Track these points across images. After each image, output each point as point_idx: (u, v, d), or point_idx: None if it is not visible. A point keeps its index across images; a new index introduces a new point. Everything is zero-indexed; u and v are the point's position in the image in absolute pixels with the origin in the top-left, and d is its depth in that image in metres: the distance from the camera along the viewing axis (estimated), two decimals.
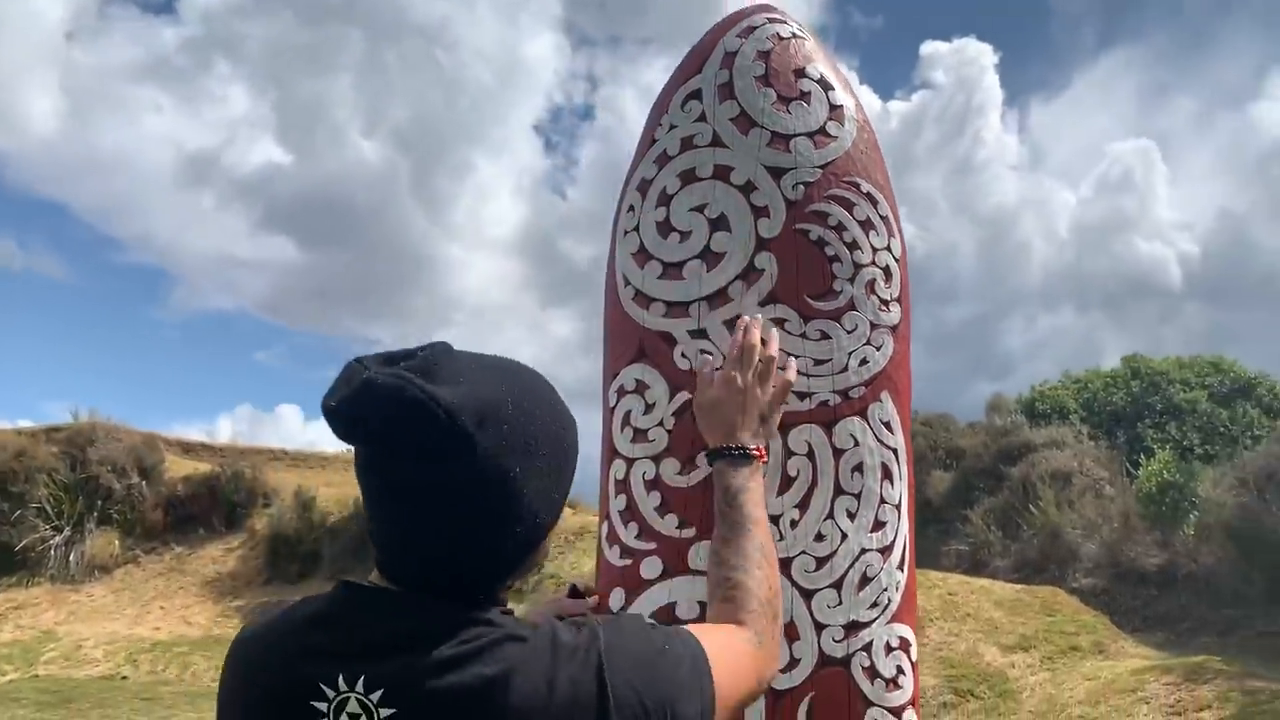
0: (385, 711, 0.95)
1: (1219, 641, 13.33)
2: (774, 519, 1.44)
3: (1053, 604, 13.58)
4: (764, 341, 1.44)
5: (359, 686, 0.96)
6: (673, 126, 1.63)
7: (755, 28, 1.65)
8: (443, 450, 0.96)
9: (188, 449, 23.34)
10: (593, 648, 0.99)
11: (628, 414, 1.54)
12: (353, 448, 1.04)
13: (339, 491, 20.69)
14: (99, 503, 19.61)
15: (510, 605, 1.09)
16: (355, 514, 19.33)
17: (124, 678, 15.29)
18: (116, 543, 19.49)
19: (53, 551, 18.90)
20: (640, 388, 1.53)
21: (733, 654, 1.11)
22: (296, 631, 1.03)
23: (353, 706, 0.96)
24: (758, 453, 1.37)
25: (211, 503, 19.96)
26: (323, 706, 0.96)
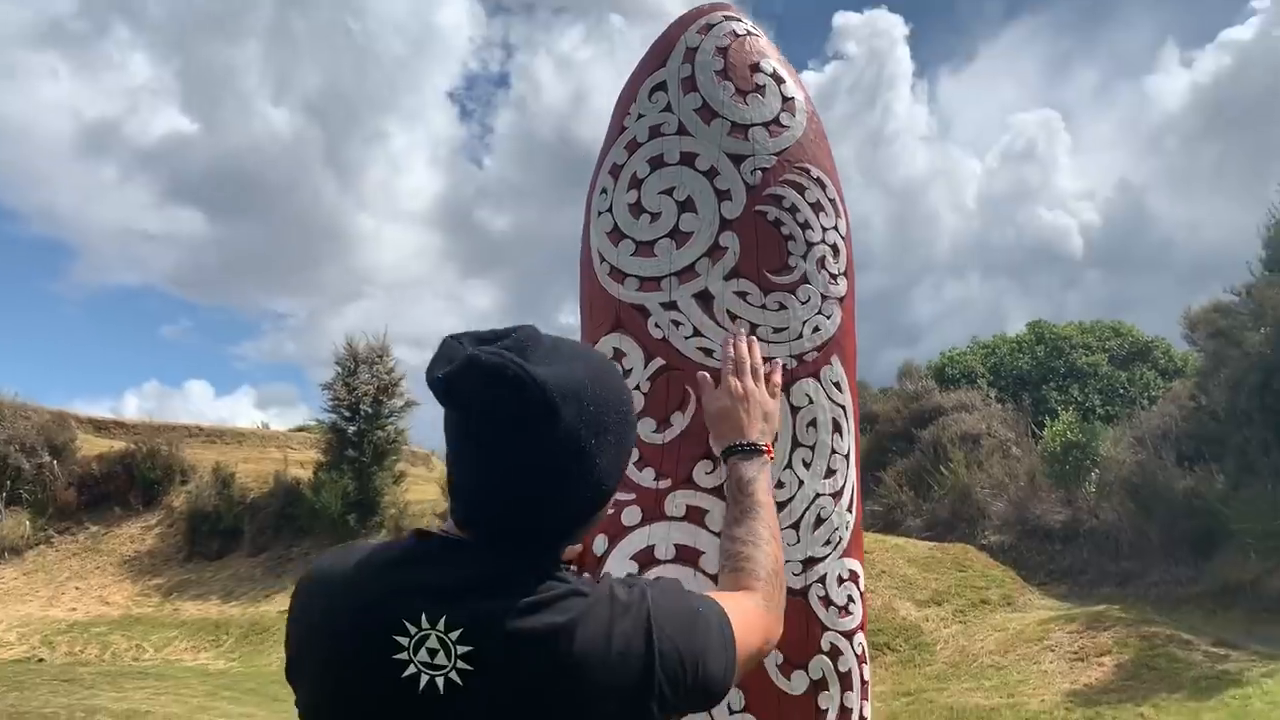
0: (462, 649, 1.06)
1: (1119, 592, 14.06)
2: None
3: (963, 560, 14.15)
4: (752, 350, 1.66)
5: (440, 625, 1.07)
6: (640, 115, 1.78)
7: (713, 25, 1.81)
8: (533, 421, 1.09)
9: (99, 427, 22.78)
10: (642, 606, 1.13)
11: None
12: (439, 412, 1.16)
13: (257, 467, 20.45)
14: (8, 483, 19.09)
15: None
16: (275, 489, 19.15)
17: (40, 660, 15.00)
18: (28, 523, 19.00)
19: None
20: (618, 355, 1.70)
21: (747, 617, 1.29)
22: (380, 573, 1.14)
23: (432, 643, 1.06)
24: (766, 448, 1.58)
25: (127, 481, 19.55)
26: (404, 641, 1.07)
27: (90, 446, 20.78)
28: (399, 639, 1.07)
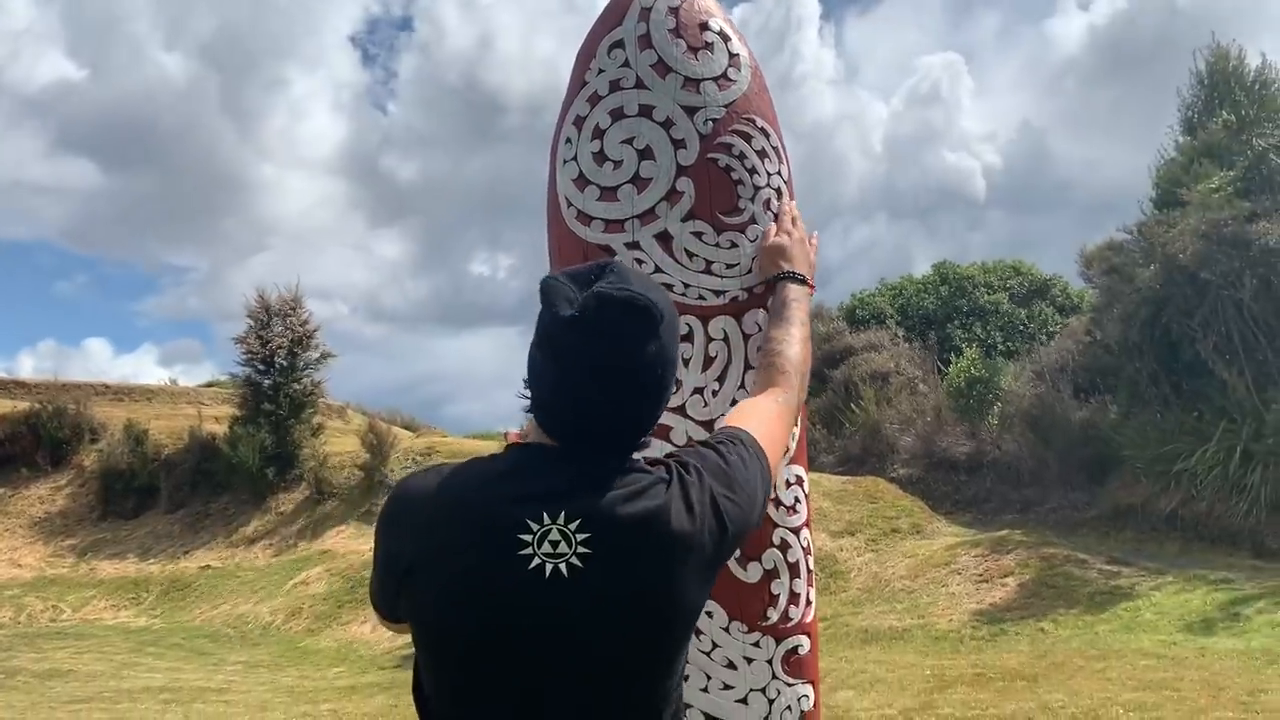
0: (581, 536, 1.24)
1: (1020, 518, 14.78)
2: (698, 390, 1.84)
3: (875, 493, 14.73)
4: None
5: (559, 519, 1.24)
6: (600, 70, 1.95)
7: None
8: (653, 340, 1.29)
9: (0, 386, 22.12)
10: (704, 480, 1.35)
11: None
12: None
13: (170, 424, 20.09)
14: None
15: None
16: (190, 445, 18.87)
17: None
18: None
19: None
20: None
21: (770, 425, 1.55)
22: (493, 481, 1.30)
23: (554, 535, 1.24)
24: (810, 285, 1.91)
25: (33, 441, 19.05)
26: (528, 538, 1.23)
27: None
28: (523, 536, 1.24)
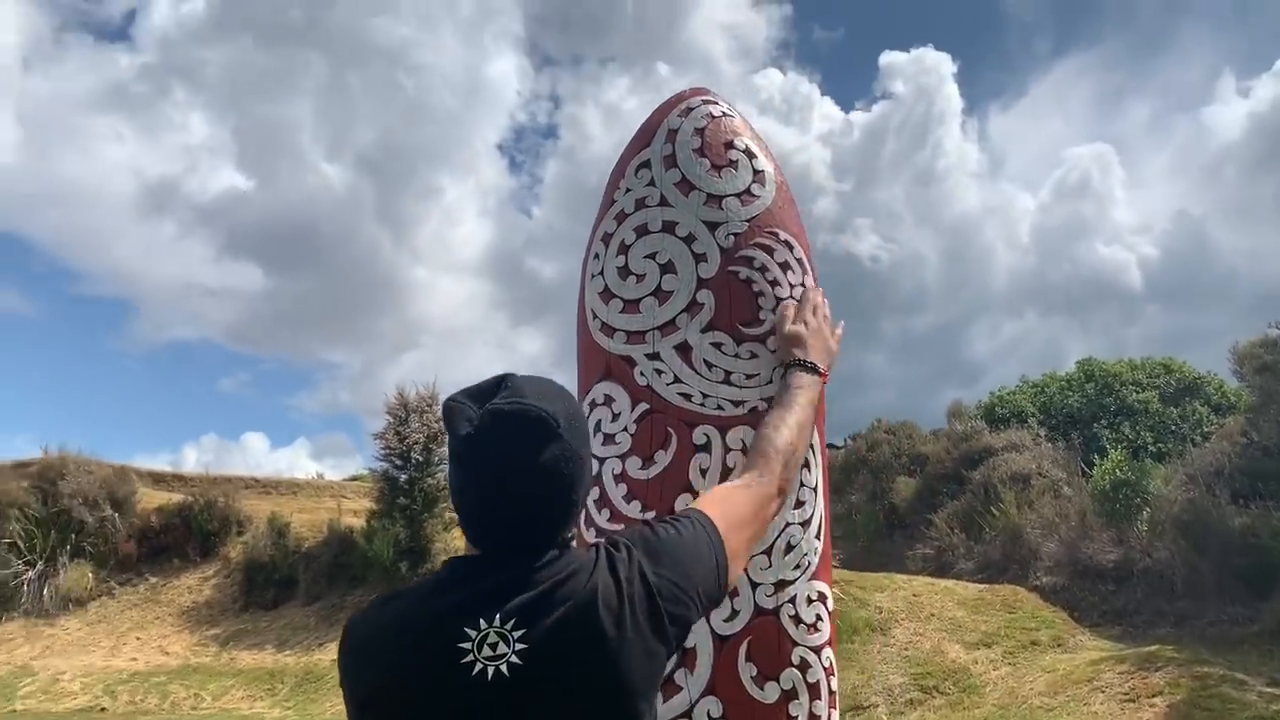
0: (517, 633, 1.29)
1: (1173, 633, 13.82)
2: None
3: (1013, 602, 14.04)
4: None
5: (495, 622, 1.29)
6: (628, 190, 2.02)
7: (692, 109, 2.06)
8: (550, 445, 1.36)
9: (159, 479, 23.37)
10: (633, 556, 1.40)
11: (599, 422, 1.94)
12: (455, 460, 1.44)
13: (312, 517, 20.83)
14: (72, 536, 19.61)
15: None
16: (329, 538, 19.50)
17: (103, 709, 15.36)
18: (90, 575, 19.49)
19: (26, 586, 18.90)
20: (608, 400, 1.92)
21: (734, 505, 1.57)
22: (429, 597, 1.37)
23: (491, 638, 1.29)
24: (823, 374, 1.90)
25: (185, 532, 20.00)
26: (467, 646, 1.28)
27: (150, 499, 21.32)
28: (463, 645, 1.29)
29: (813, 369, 1.88)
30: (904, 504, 20.53)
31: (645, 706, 1.38)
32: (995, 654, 12.66)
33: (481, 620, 1.29)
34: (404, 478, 19.16)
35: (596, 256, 2.02)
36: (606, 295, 1.98)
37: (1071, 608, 14.57)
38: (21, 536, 19.08)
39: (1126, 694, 10.64)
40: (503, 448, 1.34)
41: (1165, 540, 15.23)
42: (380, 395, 19.62)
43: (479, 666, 1.27)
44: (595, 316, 1.99)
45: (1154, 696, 10.44)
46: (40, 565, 19.17)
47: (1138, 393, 22.38)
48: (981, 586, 14.91)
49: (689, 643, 1.78)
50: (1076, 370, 23.80)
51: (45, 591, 19.06)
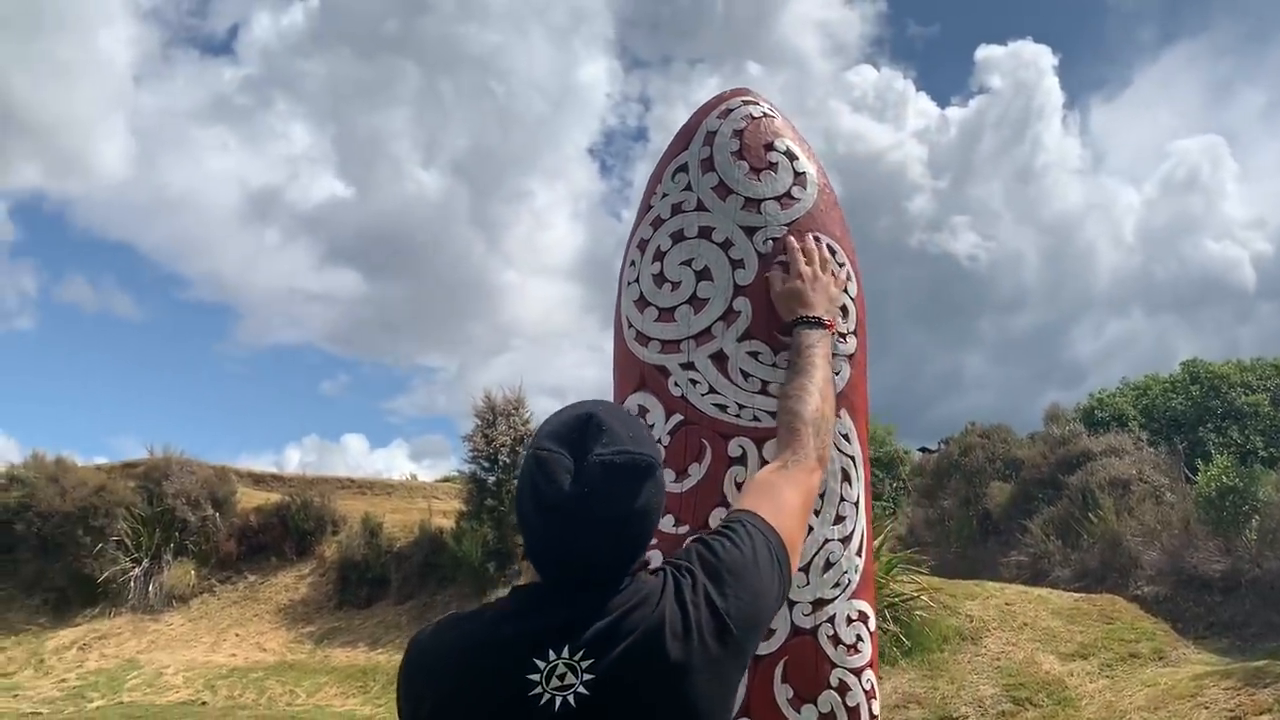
0: (585, 663, 1.28)
1: None
2: None
3: (1111, 612, 13.56)
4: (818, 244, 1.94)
5: (564, 653, 1.28)
6: (665, 195, 1.97)
7: (732, 110, 1.99)
8: (648, 485, 1.36)
9: (258, 480, 24.08)
10: (697, 580, 1.37)
11: None
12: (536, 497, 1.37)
13: (404, 518, 21.21)
14: (175, 534, 20.32)
15: None
16: (420, 539, 19.82)
17: (203, 703, 15.85)
18: (193, 573, 20.18)
19: (133, 583, 19.63)
20: (642, 411, 1.87)
21: (780, 497, 1.54)
22: (498, 624, 1.36)
23: (559, 669, 1.28)
24: (829, 321, 1.83)
25: (282, 532, 20.54)
26: (536, 677, 1.28)
27: (249, 499, 21.97)
28: (531, 676, 1.28)
29: (817, 323, 1.82)
30: (998, 509, 20.00)
31: None
32: (1092, 666, 12.23)
33: (551, 652, 1.29)
34: (491, 480, 19.37)
35: (632, 264, 1.98)
36: (641, 303, 1.93)
37: (1174, 619, 14.01)
38: (129, 535, 19.83)
39: (1232, 711, 10.17)
40: (616, 501, 1.33)
41: (1276, 550, 14.55)
42: (473, 398, 19.86)
43: (546, 698, 1.27)
44: (630, 325, 1.94)
45: (1262, 714, 9.96)
46: (146, 563, 19.89)
47: (1247, 395, 21.44)
48: (1078, 595, 14.44)
49: None
50: (1181, 372, 22.91)
51: (150, 588, 19.78)
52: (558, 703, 1.26)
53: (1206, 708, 10.42)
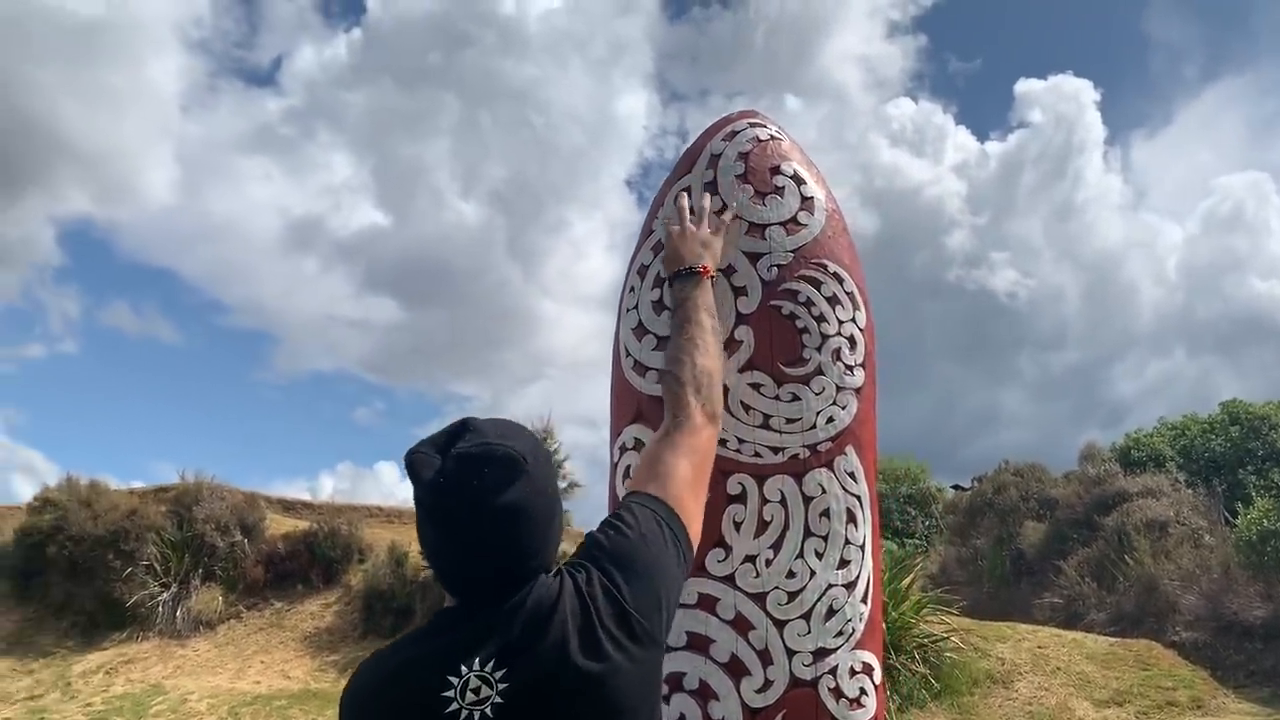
0: (499, 674, 1.28)
1: None
2: (749, 559, 1.67)
3: (1148, 658, 13.22)
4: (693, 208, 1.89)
5: (476, 666, 1.29)
6: (667, 218, 1.89)
7: (738, 132, 1.91)
8: (518, 482, 1.34)
9: (288, 507, 24.12)
10: (592, 574, 1.37)
11: (628, 468, 1.79)
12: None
13: None
14: (204, 560, 20.36)
15: None
16: None
17: None
18: (220, 599, 20.18)
19: (161, 607, 19.66)
20: (638, 445, 1.78)
21: (667, 469, 1.51)
22: (413, 647, 1.40)
23: (473, 683, 1.28)
24: (702, 269, 1.76)
25: (309, 559, 20.50)
26: (450, 694, 1.28)
27: (279, 525, 21.98)
28: (446, 694, 1.29)
29: (689, 273, 1.75)
30: (1031, 550, 19.62)
31: (645, 717, 1.37)
32: (1127, 713, 11.90)
33: (463, 666, 1.29)
34: None
35: (631, 290, 1.89)
36: (640, 331, 1.85)
37: (1214, 666, 13.64)
38: (158, 559, 19.89)
39: None
40: (472, 491, 1.32)
41: None
42: None
43: (464, 714, 1.27)
44: (628, 354, 1.85)
45: None
46: (174, 587, 19.92)
47: None
48: (1113, 640, 14.08)
49: (716, 715, 1.62)
50: (1220, 412, 22.45)
51: (178, 613, 19.78)
52: (476, 717, 1.27)
53: None
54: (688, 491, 1.49)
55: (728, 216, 1.86)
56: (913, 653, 12.28)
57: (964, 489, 24.78)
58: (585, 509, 22.07)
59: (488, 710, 1.27)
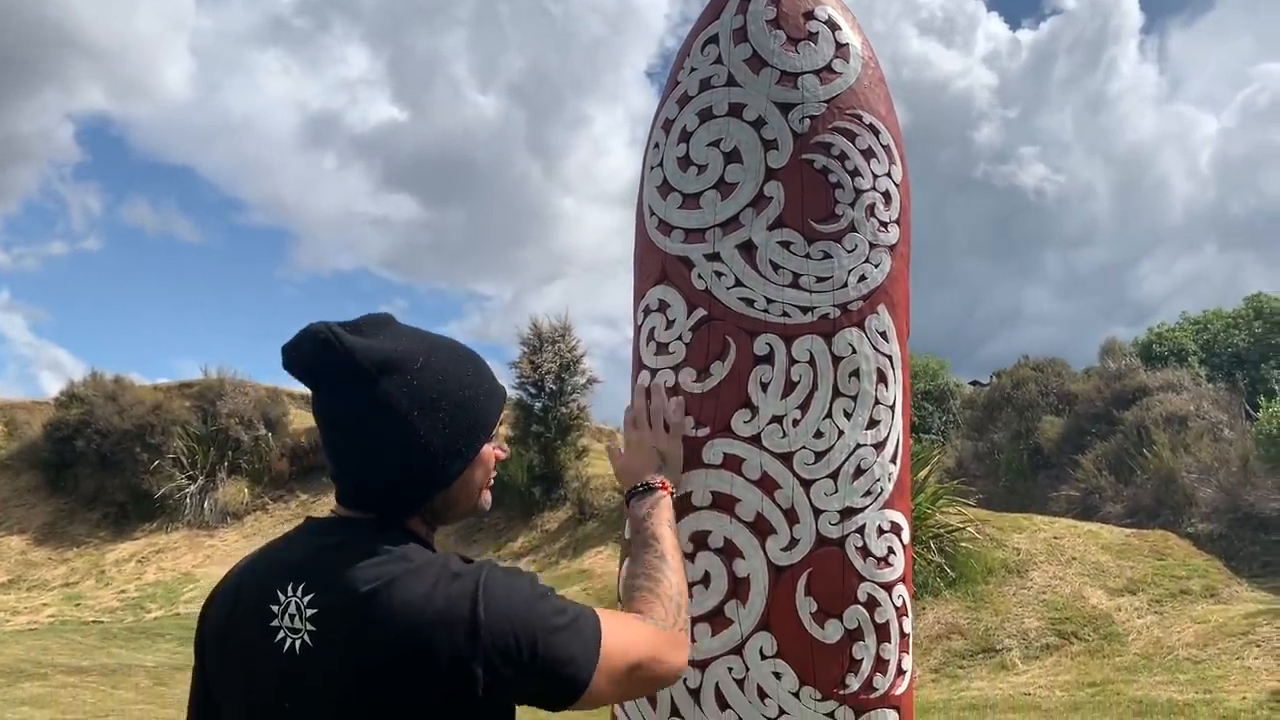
0: (310, 611, 1.18)
1: None
2: (777, 419, 1.63)
3: (1163, 548, 13.31)
4: (650, 396, 1.72)
5: (295, 592, 1.20)
6: (693, 69, 1.80)
7: None
8: (345, 384, 1.21)
9: (309, 401, 24.42)
10: (475, 577, 1.19)
11: (652, 330, 1.74)
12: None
13: None
14: (229, 453, 20.77)
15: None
16: None
17: None
18: (246, 491, 20.63)
19: (189, 499, 20.12)
20: (663, 306, 1.73)
21: (629, 628, 1.31)
22: (261, 556, 1.31)
23: (291, 609, 1.20)
24: (660, 485, 1.60)
25: None
26: (275, 610, 1.21)
27: (301, 420, 22.26)
28: (273, 608, 1.21)
29: (645, 489, 1.58)
30: (1049, 444, 19.69)
31: None
32: (1140, 601, 12.04)
33: (290, 586, 1.21)
34: (538, 405, 19.44)
35: (656, 146, 1.81)
36: (665, 189, 1.77)
37: (1228, 557, 13.76)
38: (184, 453, 20.26)
39: None
40: (310, 377, 1.23)
41: None
42: (527, 325, 19.85)
43: (280, 634, 1.20)
44: (653, 213, 1.78)
45: None
46: (201, 480, 20.34)
47: None
48: (1129, 531, 14.18)
49: (741, 572, 1.60)
50: (1244, 306, 22.20)
51: (206, 504, 20.25)
52: (288, 643, 1.19)
53: (1258, 645, 10.22)
54: (625, 669, 1.25)
55: (678, 417, 1.67)
56: (928, 542, 12.42)
57: (983, 385, 24.77)
58: (605, 407, 22.20)
59: (297, 644, 1.19)
